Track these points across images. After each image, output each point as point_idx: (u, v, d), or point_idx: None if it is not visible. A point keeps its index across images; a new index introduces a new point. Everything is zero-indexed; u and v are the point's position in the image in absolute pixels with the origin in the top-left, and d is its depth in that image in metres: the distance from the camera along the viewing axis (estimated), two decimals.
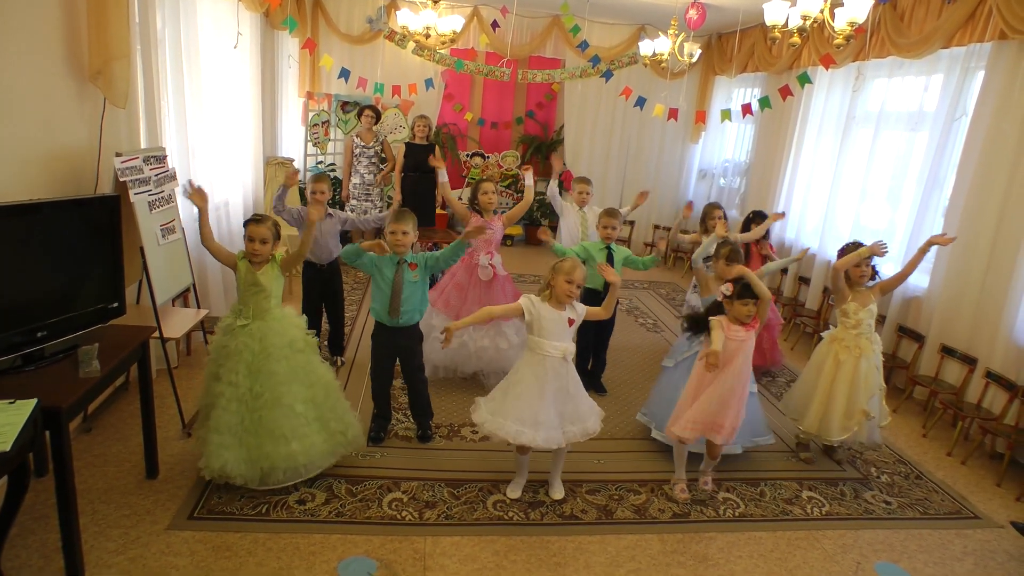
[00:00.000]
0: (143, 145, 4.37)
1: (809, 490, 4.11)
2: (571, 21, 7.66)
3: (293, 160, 8.16)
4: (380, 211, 7.75)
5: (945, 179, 5.57)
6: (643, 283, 8.72)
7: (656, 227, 10.31)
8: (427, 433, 4.24)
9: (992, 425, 4.50)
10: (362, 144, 7.75)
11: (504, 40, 8.78)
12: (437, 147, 7.91)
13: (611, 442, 4.44)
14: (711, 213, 5.43)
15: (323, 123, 8.75)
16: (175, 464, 3.66)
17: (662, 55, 6.64)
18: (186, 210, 4.78)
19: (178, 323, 4.38)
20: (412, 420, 4.34)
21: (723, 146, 10.00)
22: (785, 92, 6.59)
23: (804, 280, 7.26)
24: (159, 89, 4.59)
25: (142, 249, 3.91)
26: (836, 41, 4.46)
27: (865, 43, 6.13)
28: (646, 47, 6.84)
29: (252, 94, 6.77)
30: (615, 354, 5.31)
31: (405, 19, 6.83)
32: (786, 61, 7.58)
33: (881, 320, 5.77)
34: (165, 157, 4.33)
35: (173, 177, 4.41)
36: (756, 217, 5.83)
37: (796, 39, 4.64)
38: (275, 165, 7.64)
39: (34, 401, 2.49)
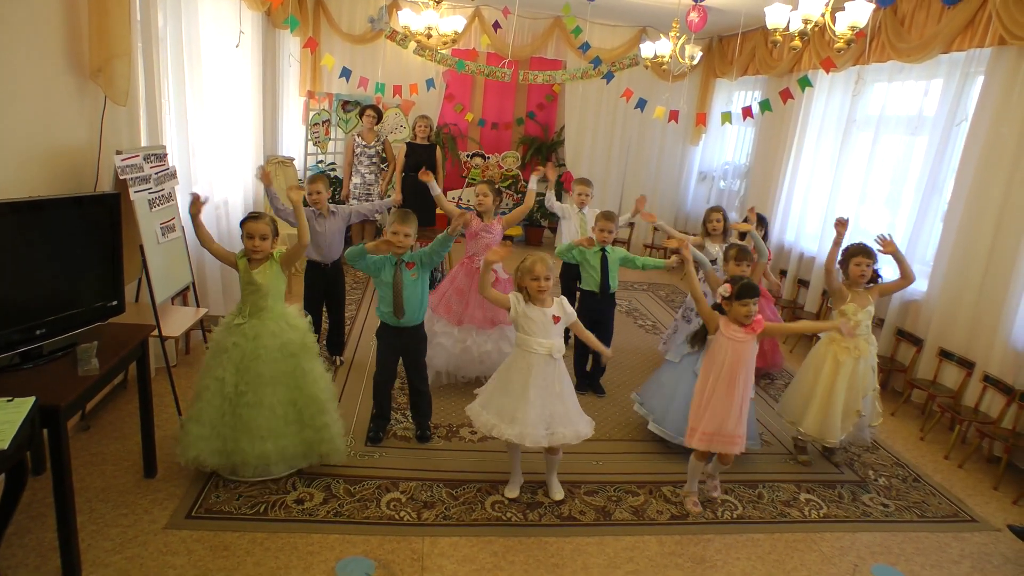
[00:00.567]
0: (143, 143, 4.37)
1: (807, 492, 4.11)
2: (572, 22, 7.67)
3: (293, 159, 8.15)
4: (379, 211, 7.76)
5: (944, 184, 5.58)
6: (642, 285, 8.72)
7: (656, 229, 10.29)
8: (426, 433, 4.24)
9: (989, 429, 4.50)
10: (363, 144, 7.75)
11: (505, 41, 8.78)
12: (438, 147, 7.90)
13: (610, 443, 4.44)
14: (711, 216, 5.43)
15: (324, 122, 8.75)
16: (173, 463, 3.65)
17: (663, 57, 6.65)
18: (186, 208, 4.77)
19: (177, 322, 4.38)
20: (411, 420, 4.34)
21: (723, 149, 10.01)
22: (785, 95, 6.60)
23: (803, 283, 7.26)
24: (160, 87, 4.58)
25: (142, 247, 3.91)
26: (837, 45, 4.47)
27: (866, 47, 6.14)
28: (647, 49, 6.85)
29: (253, 93, 6.77)
30: (613, 355, 5.29)
31: (407, 19, 6.84)
32: (787, 64, 7.59)
33: (880, 323, 5.78)
34: (165, 155, 4.33)
35: (173, 175, 4.41)
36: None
37: (797, 42, 4.65)
38: (276, 164, 7.64)
39: (32, 399, 2.49)
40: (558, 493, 3.77)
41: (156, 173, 4.13)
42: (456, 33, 6.96)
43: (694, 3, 6.47)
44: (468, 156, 9.97)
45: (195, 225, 3.59)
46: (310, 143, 8.71)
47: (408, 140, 8.19)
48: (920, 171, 5.85)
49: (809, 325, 4.13)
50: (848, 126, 6.80)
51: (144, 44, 4.33)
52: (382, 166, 7.91)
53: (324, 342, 5.25)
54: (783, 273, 7.63)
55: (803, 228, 7.54)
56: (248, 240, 3.47)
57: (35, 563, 2.89)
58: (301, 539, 3.21)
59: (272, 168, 7.55)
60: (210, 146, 5.56)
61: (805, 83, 6.45)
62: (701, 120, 9.27)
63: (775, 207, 7.88)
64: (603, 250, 4.85)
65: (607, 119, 10.07)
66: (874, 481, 4.33)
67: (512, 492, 3.73)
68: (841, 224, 4.20)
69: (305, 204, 4.79)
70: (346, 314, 5.69)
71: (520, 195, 9.96)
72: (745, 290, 3.55)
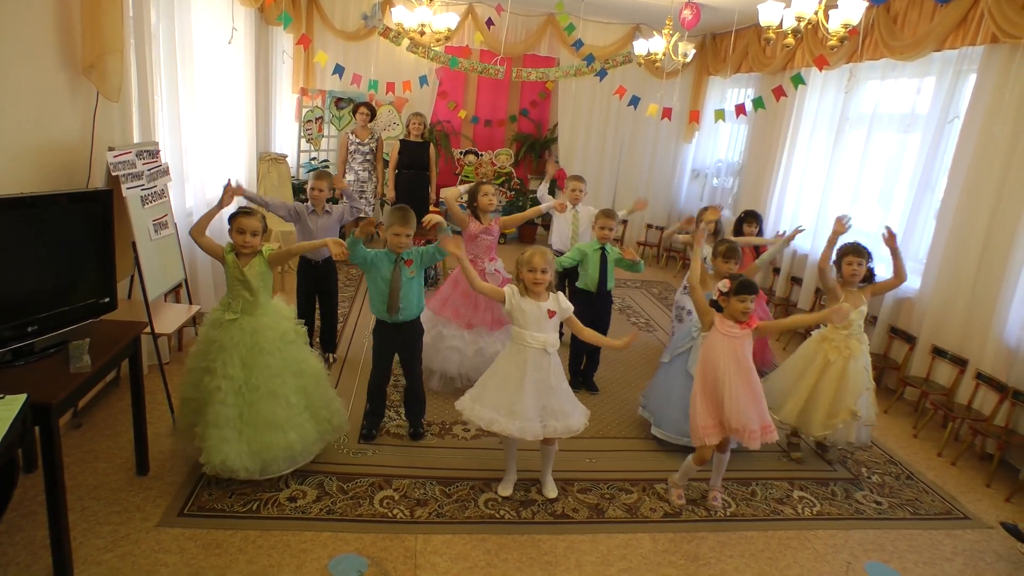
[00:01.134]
0: (136, 139, 4.35)
1: (800, 490, 4.12)
2: (566, 20, 7.66)
3: (286, 156, 8.12)
4: (371, 207, 7.76)
5: (937, 181, 5.59)
6: (635, 282, 8.73)
7: (649, 226, 10.34)
8: (419, 431, 4.24)
9: (982, 426, 4.53)
10: (357, 141, 7.73)
11: (498, 38, 8.76)
12: (431, 145, 7.89)
13: (603, 441, 4.44)
14: (704, 215, 5.44)
15: (317, 119, 8.73)
16: (165, 460, 3.64)
17: (656, 54, 6.65)
18: (178, 205, 4.76)
19: (170, 319, 4.36)
20: (404, 418, 4.34)
21: (716, 146, 10.02)
22: (779, 93, 6.60)
23: (796, 280, 7.28)
24: (152, 83, 4.56)
25: (134, 244, 3.88)
26: (830, 43, 4.48)
27: (858, 45, 6.15)
28: (640, 46, 6.85)
29: (246, 89, 6.74)
30: (607, 353, 5.31)
31: (400, 16, 6.81)
32: (780, 62, 7.61)
33: (873, 321, 5.80)
34: (158, 152, 4.30)
35: (166, 172, 4.38)
36: (748, 217, 5.84)
37: (790, 40, 4.65)
38: (268, 161, 7.61)
39: (23, 396, 2.48)
40: (551, 491, 3.77)
41: (149, 170, 4.11)
42: (449, 30, 6.93)
43: (687, 0, 6.47)
44: (461, 153, 9.96)
45: (209, 213, 3.64)
46: (303, 140, 8.68)
47: (402, 137, 8.18)
48: (913, 169, 5.87)
49: (803, 319, 4.13)
50: (841, 124, 6.81)
51: (137, 40, 4.30)
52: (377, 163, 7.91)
53: (318, 339, 5.24)
54: (776, 271, 7.65)
55: (796, 225, 7.52)
56: (239, 235, 3.46)
57: (26, 561, 2.87)
58: (294, 537, 3.20)
59: (266, 165, 7.53)
60: (203, 142, 5.53)
61: (798, 81, 6.46)
62: (694, 117, 9.28)
63: (768, 205, 7.89)
64: (602, 248, 4.84)
65: (600, 116, 10.07)
66: (867, 479, 4.34)
67: (506, 490, 3.73)
68: (840, 225, 4.17)
69: (296, 195, 4.79)
70: (339, 311, 5.68)
71: (513, 192, 9.96)
72: (744, 287, 3.54)
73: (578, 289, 5.00)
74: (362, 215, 5.30)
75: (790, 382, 4.29)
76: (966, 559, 3.63)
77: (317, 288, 5.07)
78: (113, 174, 3.74)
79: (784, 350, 6.56)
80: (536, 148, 10.25)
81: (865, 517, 3.92)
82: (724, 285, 3.61)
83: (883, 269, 4.33)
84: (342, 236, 5.07)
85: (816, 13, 4.44)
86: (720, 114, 7.12)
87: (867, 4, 4.38)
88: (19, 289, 2.95)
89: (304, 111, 8.64)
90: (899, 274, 4.22)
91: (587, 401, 4.83)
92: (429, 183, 7.84)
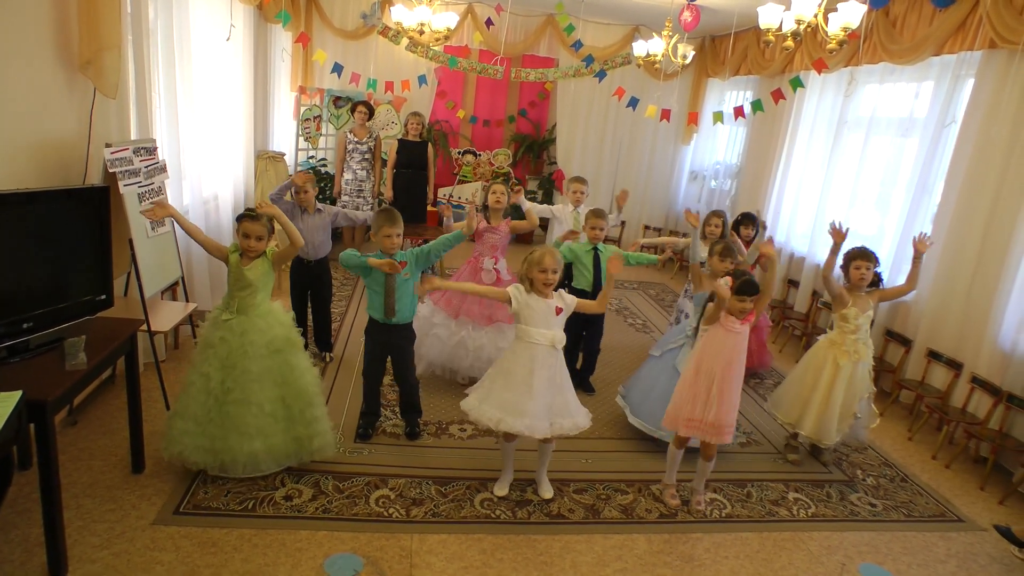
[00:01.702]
0: (133, 136, 4.34)
1: (795, 491, 4.13)
2: (565, 20, 7.66)
3: (284, 154, 8.11)
4: (371, 208, 7.75)
5: (934, 185, 5.60)
6: (633, 283, 8.74)
7: (646, 227, 10.34)
8: (415, 430, 4.23)
9: (976, 429, 4.54)
10: (355, 140, 7.72)
11: (498, 38, 8.76)
12: (429, 144, 7.89)
13: (599, 441, 4.44)
14: (710, 220, 5.45)
15: (315, 118, 8.72)
16: (161, 459, 3.63)
17: (655, 56, 6.65)
18: (175, 202, 4.75)
19: (166, 316, 4.35)
20: (400, 417, 4.33)
21: (714, 148, 10.03)
22: (777, 96, 6.61)
23: (793, 283, 7.29)
24: (150, 80, 4.55)
25: (131, 241, 3.88)
26: (829, 46, 4.48)
27: (858, 48, 6.16)
28: (640, 48, 6.85)
29: (244, 87, 6.73)
30: (603, 354, 5.30)
31: (399, 15, 6.80)
32: (779, 65, 7.62)
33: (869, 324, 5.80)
34: (155, 149, 4.29)
35: (163, 169, 4.37)
36: (745, 220, 5.84)
37: (790, 43, 4.65)
38: (266, 159, 7.60)
39: (19, 393, 2.47)
40: (547, 491, 3.77)
41: (146, 167, 4.10)
42: (448, 30, 6.93)
43: (687, 2, 6.47)
44: (459, 153, 9.96)
45: (179, 223, 3.58)
46: (301, 138, 8.67)
47: (400, 137, 8.17)
48: (910, 172, 5.88)
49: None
50: (839, 127, 6.82)
51: (134, 37, 4.29)
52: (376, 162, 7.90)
53: (312, 339, 5.23)
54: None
55: (793, 228, 7.56)
56: (244, 240, 3.45)
57: (21, 559, 2.86)
58: (289, 536, 3.20)
59: (263, 163, 7.53)
60: (200, 140, 5.53)
61: (797, 84, 6.47)
62: (693, 119, 9.29)
63: (766, 207, 7.90)
64: (595, 248, 4.85)
65: (599, 117, 10.07)
66: (862, 481, 4.35)
67: (502, 490, 3.73)
68: (839, 234, 4.15)
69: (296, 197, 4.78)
70: (335, 311, 5.67)
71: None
72: (745, 286, 3.54)
73: (575, 289, 5.00)
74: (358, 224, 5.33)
75: (805, 392, 4.27)
76: (959, 561, 3.64)
77: (310, 287, 5.06)
78: (110, 171, 3.73)
79: (780, 352, 6.57)
80: (534, 148, 10.25)
81: (860, 519, 3.93)
82: (727, 282, 3.62)
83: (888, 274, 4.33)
84: (334, 237, 5.05)
85: (815, 16, 4.44)
86: (719, 116, 7.12)
87: (867, 8, 4.38)
88: (15, 285, 2.94)
89: (302, 109, 8.63)
90: (912, 281, 4.21)
91: (583, 402, 4.82)
92: (427, 183, 7.84)
